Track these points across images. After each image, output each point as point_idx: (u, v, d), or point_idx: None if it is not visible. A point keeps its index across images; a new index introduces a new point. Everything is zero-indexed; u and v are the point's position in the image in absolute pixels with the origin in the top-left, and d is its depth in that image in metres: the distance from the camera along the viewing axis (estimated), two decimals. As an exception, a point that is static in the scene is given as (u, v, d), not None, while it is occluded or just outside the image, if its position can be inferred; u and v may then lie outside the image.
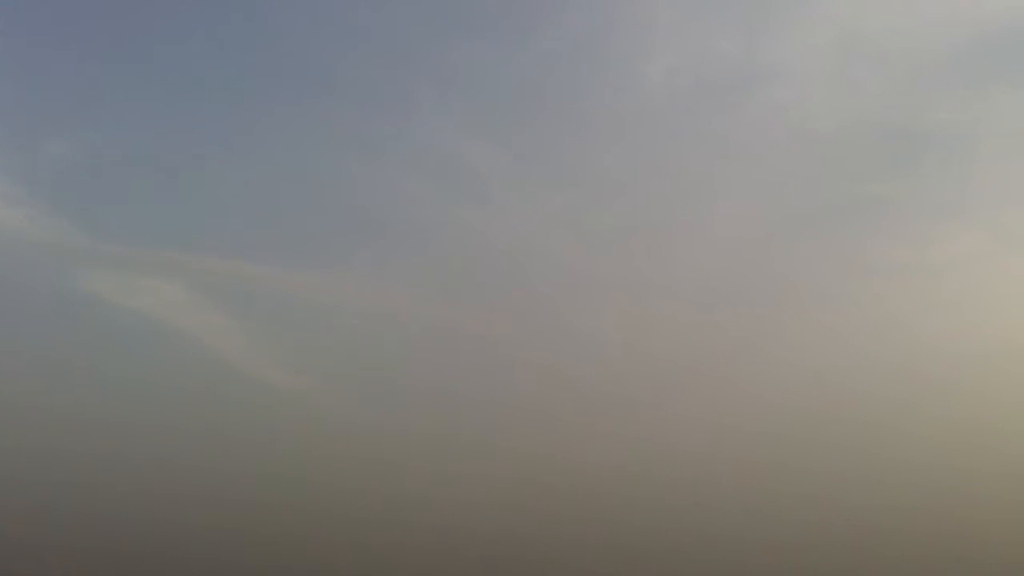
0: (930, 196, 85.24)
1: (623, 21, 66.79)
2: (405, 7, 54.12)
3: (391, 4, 51.98)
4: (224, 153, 44.78)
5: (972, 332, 72.20)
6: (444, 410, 53.88)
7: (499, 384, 59.61)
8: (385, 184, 52.47)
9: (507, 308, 71.19)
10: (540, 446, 57.43)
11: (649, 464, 59.69)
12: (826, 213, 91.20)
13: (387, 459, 42.94)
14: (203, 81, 42.85)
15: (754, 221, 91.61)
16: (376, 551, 42.67)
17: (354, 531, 41.95)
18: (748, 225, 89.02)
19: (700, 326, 73.53)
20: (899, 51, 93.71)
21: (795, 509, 60.86)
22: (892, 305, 76.77)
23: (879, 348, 72.11)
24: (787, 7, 72.69)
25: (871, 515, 60.02)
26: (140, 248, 38.43)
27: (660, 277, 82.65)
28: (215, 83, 43.95)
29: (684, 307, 76.32)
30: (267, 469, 40.81)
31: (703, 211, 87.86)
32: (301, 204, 49.37)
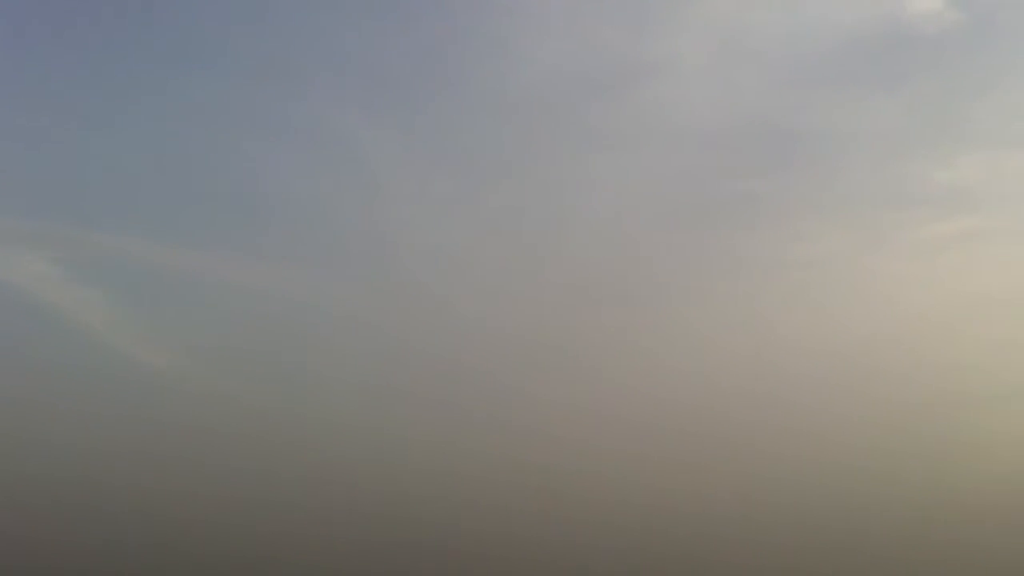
0: (799, 194, 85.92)
1: (513, 9, 65.88)
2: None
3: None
4: (95, 124, 43.54)
5: (835, 328, 73.79)
6: (314, 390, 53.40)
7: (372, 367, 59.20)
8: (267, 161, 51.34)
9: (385, 291, 70.26)
10: (412, 429, 57.15)
11: (522, 451, 59.97)
12: (701, 209, 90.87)
13: (253, 435, 42.46)
14: (75, 49, 41.63)
15: (632, 214, 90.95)
16: (247, 528, 42.30)
17: (222, 508, 41.46)
18: (626, 218, 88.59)
19: (576, 316, 73.41)
20: (778, 52, 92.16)
21: (665, 501, 61.78)
22: (760, 301, 77.59)
23: (746, 343, 73.00)
24: (673, 4, 72.47)
25: (737, 508, 61.16)
26: None
27: (539, 266, 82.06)
28: (89, 51, 42.63)
29: (561, 296, 76.11)
30: (130, 446, 40.09)
31: (583, 202, 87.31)
32: (175, 178, 48.07)
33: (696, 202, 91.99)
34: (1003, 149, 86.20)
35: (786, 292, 77.65)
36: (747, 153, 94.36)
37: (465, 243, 76.60)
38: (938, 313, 75.58)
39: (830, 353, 70.58)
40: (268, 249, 58.27)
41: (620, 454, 63.03)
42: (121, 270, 40.40)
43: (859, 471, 61.09)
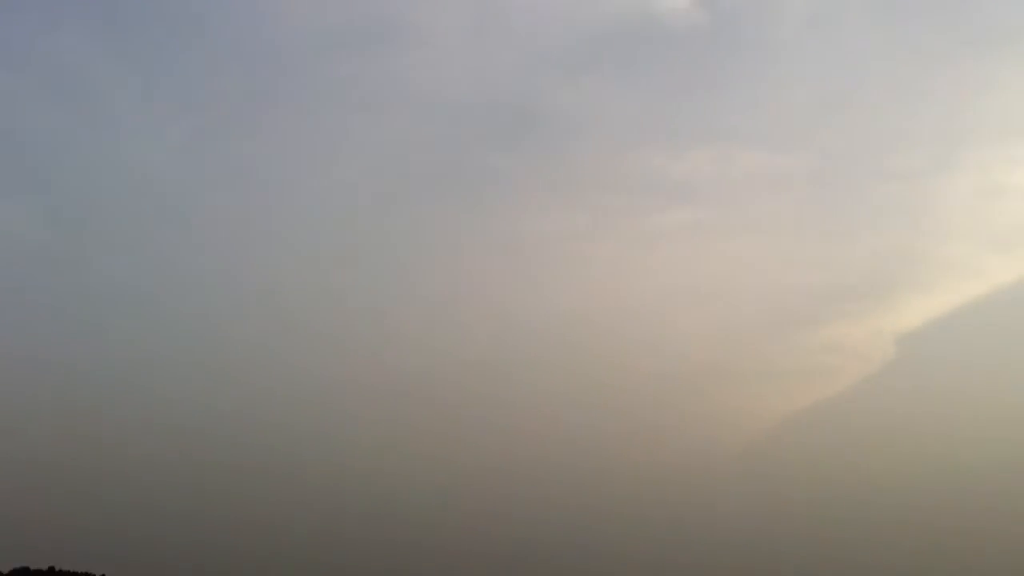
0: (535, 174, 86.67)
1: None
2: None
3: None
4: None
5: (560, 305, 74.41)
6: (40, 334, 53.40)
7: (94, 309, 59.37)
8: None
9: (112, 234, 69.77)
10: (121, 375, 57.00)
11: (258, 410, 59.86)
12: (441, 180, 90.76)
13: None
14: None
15: (374, 178, 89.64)
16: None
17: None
18: (367, 181, 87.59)
19: (305, 274, 73.43)
20: (530, 33, 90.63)
21: (386, 461, 61.57)
22: (490, 274, 78.31)
23: (475, 314, 73.29)
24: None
25: (467, 470, 61.46)
26: None
27: (272, 219, 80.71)
28: None
29: (292, 253, 76.32)
30: None
31: (324, 160, 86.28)
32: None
33: (437, 172, 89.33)
34: (729, 146, 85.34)
35: (516, 267, 77.64)
36: (490, 129, 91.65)
37: (201, 188, 75.15)
38: (657, 299, 75.81)
39: (554, 328, 70.75)
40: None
41: (347, 415, 61.95)
42: None
43: (570, 442, 61.30)
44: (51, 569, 45.36)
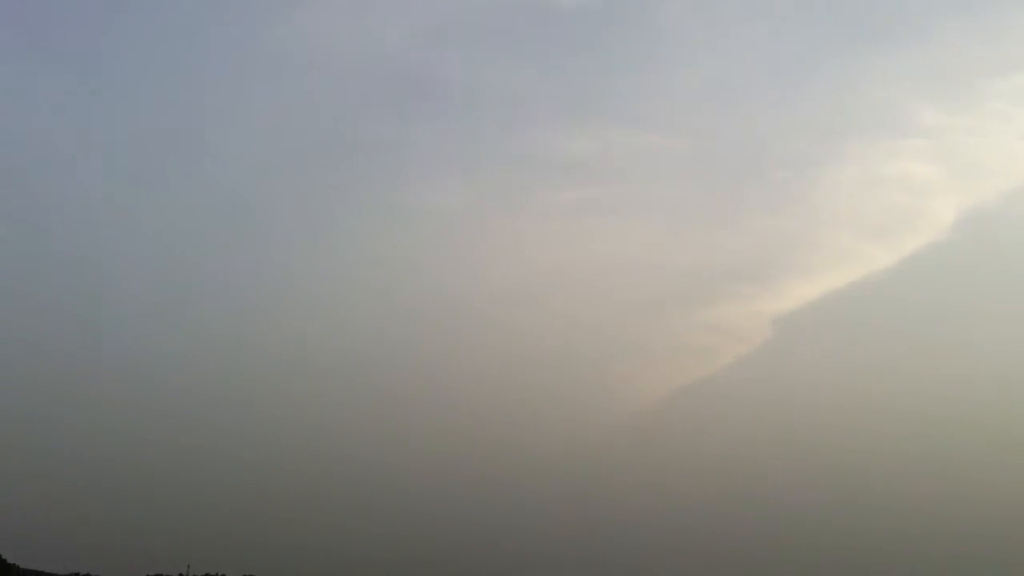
0: (436, 146, 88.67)
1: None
2: None
3: None
4: None
5: (460, 279, 76.70)
6: None
7: None
8: None
9: None
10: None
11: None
12: (338, 148, 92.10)
13: None
14: None
15: (272, 144, 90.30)
16: None
17: None
18: (262, 148, 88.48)
19: (208, 243, 74.08)
20: (429, 5, 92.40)
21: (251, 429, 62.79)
22: (393, 245, 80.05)
23: (378, 285, 75.17)
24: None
25: (345, 447, 63.02)
26: None
27: (152, 184, 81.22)
28: None
29: (192, 214, 77.00)
30: None
31: (216, 125, 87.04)
32: None
33: (334, 140, 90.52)
34: (619, 127, 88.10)
35: (418, 239, 79.38)
36: (381, 97, 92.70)
37: (83, 149, 74.96)
38: (545, 276, 78.43)
39: (455, 302, 72.58)
40: None
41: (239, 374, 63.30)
42: None
43: (455, 419, 62.98)
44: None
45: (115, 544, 50.34)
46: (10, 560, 43.42)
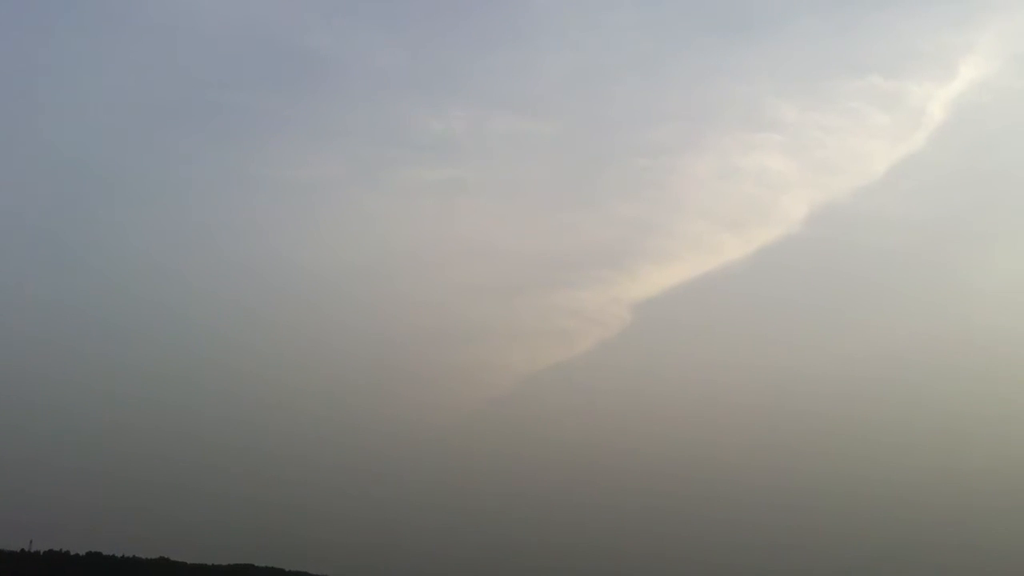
0: (300, 118, 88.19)
1: None
2: None
3: None
4: None
5: (324, 252, 76.59)
6: None
7: None
8: None
9: None
10: None
11: None
12: (195, 114, 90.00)
13: None
14: None
15: (119, 106, 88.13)
16: None
17: None
18: (117, 108, 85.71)
19: (35, 202, 71.60)
20: None
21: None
22: (254, 215, 79.32)
23: (228, 253, 74.32)
24: None
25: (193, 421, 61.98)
26: None
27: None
28: None
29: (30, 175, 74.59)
30: None
31: (59, 84, 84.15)
32: None
33: (192, 106, 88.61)
34: (486, 107, 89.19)
35: (275, 211, 78.96)
36: (253, 66, 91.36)
37: None
38: (408, 254, 79.06)
39: (310, 275, 72.38)
40: None
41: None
42: None
43: (306, 396, 62.92)
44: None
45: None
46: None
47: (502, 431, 63.02)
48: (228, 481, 56.43)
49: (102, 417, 57.94)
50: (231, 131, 77.95)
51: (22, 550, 44.04)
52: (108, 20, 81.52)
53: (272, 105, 79.90)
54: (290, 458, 58.26)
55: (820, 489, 58.88)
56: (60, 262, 68.35)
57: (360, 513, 55.90)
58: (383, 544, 54.76)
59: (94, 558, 44.58)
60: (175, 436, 57.76)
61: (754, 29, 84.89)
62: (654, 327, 72.22)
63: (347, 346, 67.95)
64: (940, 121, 76.19)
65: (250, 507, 55.38)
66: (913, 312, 70.09)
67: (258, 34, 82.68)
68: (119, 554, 45.22)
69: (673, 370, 68.31)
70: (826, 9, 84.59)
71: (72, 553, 44.75)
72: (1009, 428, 60.29)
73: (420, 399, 65.07)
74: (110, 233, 71.37)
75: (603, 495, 59.32)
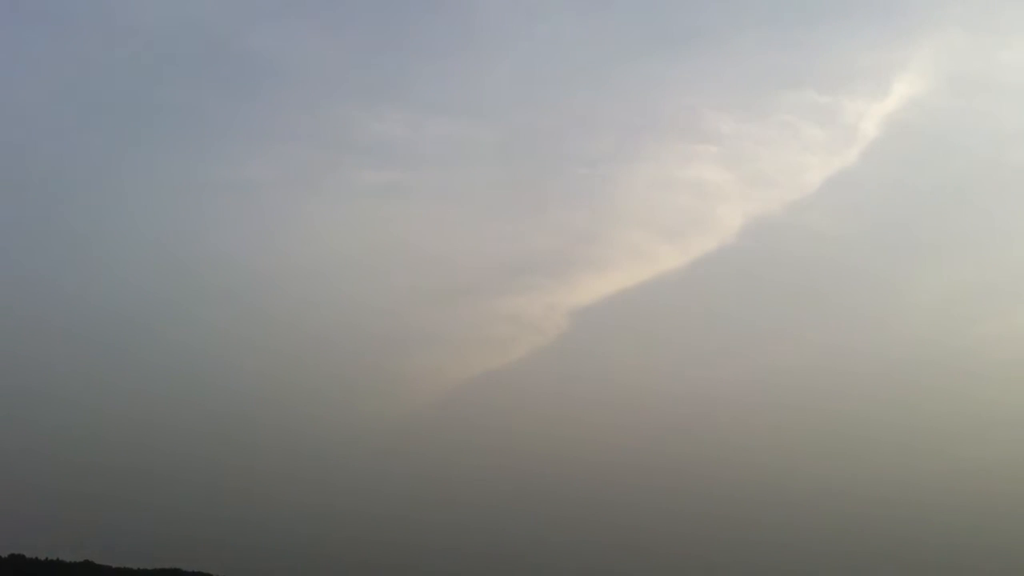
0: (237, 118, 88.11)
1: None
2: None
3: None
4: None
5: (261, 253, 76.33)
6: None
7: None
8: None
9: None
10: None
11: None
12: (134, 112, 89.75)
13: None
14: None
15: (63, 102, 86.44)
16: None
17: None
18: (55, 104, 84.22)
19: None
20: None
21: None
22: (188, 215, 78.85)
23: (164, 252, 73.76)
24: None
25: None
26: None
27: None
28: None
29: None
30: None
31: (16, 77, 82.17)
32: None
33: (130, 105, 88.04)
34: (425, 111, 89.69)
35: (211, 211, 78.66)
36: (192, 66, 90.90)
37: None
38: (341, 259, 79.33)
39: (248, 275, 72.05)
40: None
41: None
42: None
43: (237, 403, 62.87)
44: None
45: None
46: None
47: (438, 436, 62.73)
48: (153, 485, 55.49)
49: (25, 418, 56.70)
50: (168, 130, 76.91)
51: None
52: (41, 16, 79.76)
53: (210, 105, 78.80)
54: (216, 464, 57.39)
55: (752, 497, 59.55)
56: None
57: (289, 521, 55.14)
58: (312, 554, 54.10)
59: (17, 561, 43.63)
60: (99, 440, 56.61)
61: (696, 41, 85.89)
62: (590, 335, 72.57)
63: (282, 347, 67.27)
64: (873, 137, 77.82)
65: (178, 512, 54.42)
66: (845, 324, 71.47)
67: (198, 33, 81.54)
68: (42, 557, 44.46)
69: (608, 377, 68.70)
70: (765, 23, 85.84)
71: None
72: (941, 441, 61.64)
73: (354, 405, 64.59)
74: (40, 232, 69.94)
75: (538, 504, 59.30)
